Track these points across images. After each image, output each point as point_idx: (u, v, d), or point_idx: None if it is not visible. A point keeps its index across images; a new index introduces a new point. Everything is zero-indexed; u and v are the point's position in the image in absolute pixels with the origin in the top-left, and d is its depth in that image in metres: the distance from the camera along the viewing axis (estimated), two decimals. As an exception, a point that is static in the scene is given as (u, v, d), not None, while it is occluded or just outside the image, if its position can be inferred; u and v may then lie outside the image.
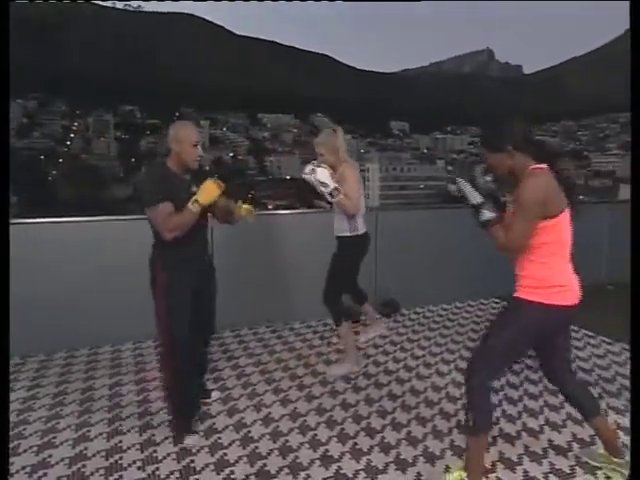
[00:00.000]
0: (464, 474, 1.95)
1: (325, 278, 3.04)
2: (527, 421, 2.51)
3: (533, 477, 2.06)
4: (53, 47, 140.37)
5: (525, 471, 2.10)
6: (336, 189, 2.72)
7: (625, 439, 2.27)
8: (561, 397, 2.74)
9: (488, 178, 1.87)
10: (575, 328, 3.92)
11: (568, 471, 2.10)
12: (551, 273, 1.83)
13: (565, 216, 1.80)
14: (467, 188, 1.83)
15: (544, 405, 2.68)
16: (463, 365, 3.21)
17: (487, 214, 1.80)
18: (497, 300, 4.64)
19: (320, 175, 2.74)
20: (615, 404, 2.68)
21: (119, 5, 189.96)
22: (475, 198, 1.82)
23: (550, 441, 2.33)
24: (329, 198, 2.80)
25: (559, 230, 1.79)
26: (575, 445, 2.30)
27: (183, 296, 2.33)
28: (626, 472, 1.96)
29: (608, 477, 2.03)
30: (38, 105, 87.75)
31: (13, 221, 3.85)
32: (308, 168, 2.79)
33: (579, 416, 2.53)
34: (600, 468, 2.08)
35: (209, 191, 2.23)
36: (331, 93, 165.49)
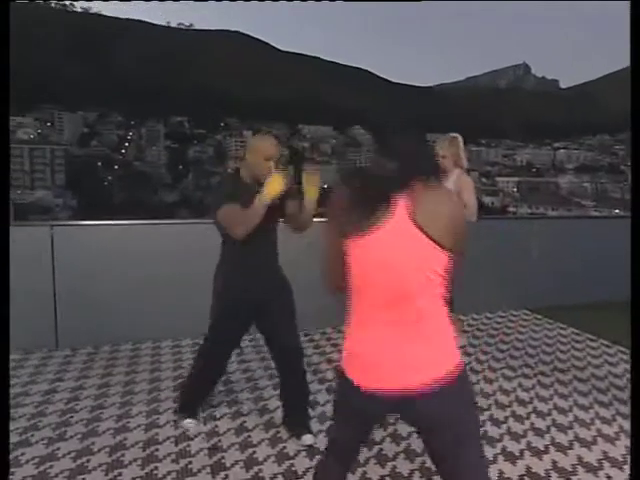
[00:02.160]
0: None
1: None
2: (556, 436, 2.47)
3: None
4: (112, 62, 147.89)
5: (551, 486, 2.08)
6: None
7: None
8: (591, 413, 2.69)
9: None
10: (608, 343, 3.81)
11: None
12: (348, 329, 1.36)
13: (363, 243, 1.23)
14: None
15: (574, 420, 2.63)
16: (491, 376, 3.20)
17: None
18: (528, 312, 4.57)
19: None
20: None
21: (173, 24, 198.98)
22: None
23: (580, 458, 2.29)
24: None
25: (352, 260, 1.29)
26: (606, 464, 2.25)
27: (232, 304, 2.30)
28: None
29: None
30: (98, 116, 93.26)
31: (73, 223, 4.16)
32: None
33: (611, 433, 2.49)
34: None
35: (276, 183, 2.08)
36: (368, 106, 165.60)
